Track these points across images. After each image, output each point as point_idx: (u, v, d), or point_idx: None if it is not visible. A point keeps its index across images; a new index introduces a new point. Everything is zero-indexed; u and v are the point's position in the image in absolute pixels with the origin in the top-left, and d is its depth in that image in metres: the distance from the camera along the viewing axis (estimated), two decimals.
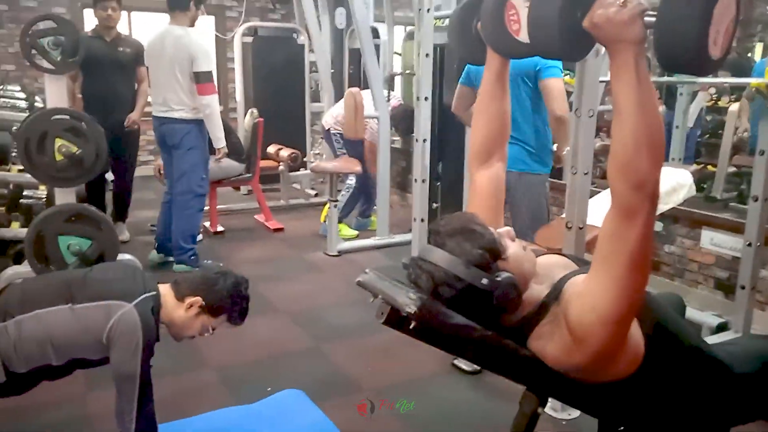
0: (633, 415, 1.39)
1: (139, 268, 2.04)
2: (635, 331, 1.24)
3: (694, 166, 3.85)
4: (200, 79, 3.73)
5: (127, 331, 1.73)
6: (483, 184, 1.54)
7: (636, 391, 1.31)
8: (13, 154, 4.06)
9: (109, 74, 4.29)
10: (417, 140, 3.13)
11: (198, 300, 1.89)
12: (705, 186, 4.09)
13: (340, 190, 4.85)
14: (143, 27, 7.45)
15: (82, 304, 1.76)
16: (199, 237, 4.51)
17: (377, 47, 4.94)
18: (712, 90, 4.89)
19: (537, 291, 1.31)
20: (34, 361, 1.74)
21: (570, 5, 1.16)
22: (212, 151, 4.20)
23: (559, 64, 2.80)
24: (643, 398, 1.33)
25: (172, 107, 3.85)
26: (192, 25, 3.88)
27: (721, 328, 2.90)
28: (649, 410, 1.36)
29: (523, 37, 1.37)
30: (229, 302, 1.94)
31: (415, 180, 3.11)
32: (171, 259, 4.09)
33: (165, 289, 1.93)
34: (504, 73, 1.52)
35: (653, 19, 1.10)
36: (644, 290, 1.21)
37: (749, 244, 2.68)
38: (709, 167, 4.18)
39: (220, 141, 4.02)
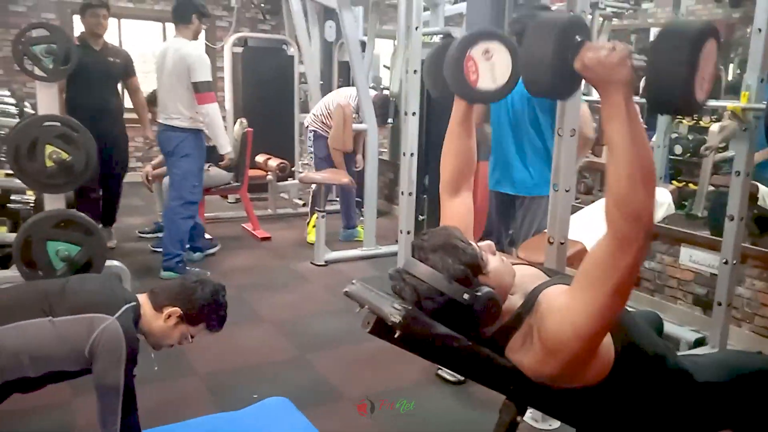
0: (605, 422, 1.45)
1: (117, 277, 2.05)
2: (606, 341, 1.30)
3: (672, 185, 3.93)
4: (199, 88, 3.85)
5: (111, 344, 1.73)
6: (453, 211, 1.68)
7: (606, 398, 1.38)
8: (1, 158, 4.08)
9: (96, 84, 4.25)
10: (404, 154, 3.19)
11: (176, 310, 1.90)
12: (686, 204, 4.18)
13: (328, 201, 4.90)
14: (133, 35, 7.49)
15: (62, 317, 1.74)
16: (218, 246, 4.63)
17: None
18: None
19: (512, 301, 1.37)
20: (9, 373, 1.72)
21: (562, 48, 1.23)
22: (215, 159, 4.37)
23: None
24: (613, 405, 1.40)
25: (171, 116, 3.99)
26: (195, 38, 4.00)
27: (699, 343, 2.98)
28: (620, 417, 1.42)
29: (481, 85, 1.55)
30: (208, 311, 1.95)
31: (402, 193, 3.17)
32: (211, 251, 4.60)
33: (143, 299, 1.93)
34: (469, 115, 1.67)
35: (642, 63, 1.18)
36: (621, 311, 1.27)
37: (725, 262, 2.76)
38: (691, 185, 4.28)
39: (224, 147, 4.15)
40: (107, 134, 4.10)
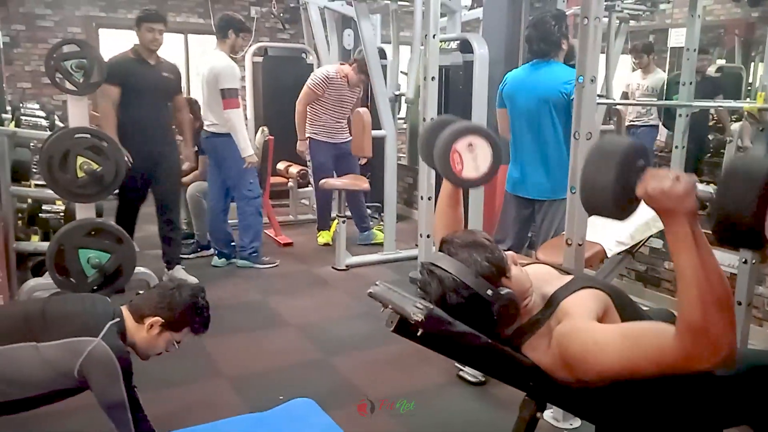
0: (625, 419, 1.49)
1: (99, 296, 2.06)
2: None
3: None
4: (224, 95, 4.14)
5: (102, 364, 1.76)
6: None
7: (625, 394, 1.41)
8: (33, 170, 4.22)
9: (151, 101, 3.94)
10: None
11: (158, 320, 1.93)
12: (708, 205, 4.18)
13: (347, 206, 4.97)
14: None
15: (46, 342, 1.77)
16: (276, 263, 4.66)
17: (384, 67, 5.08)
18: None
19: (531, 303, 1.42)
20: None
21: (624, 176, 1.23)
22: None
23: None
24: (632, 401, 1.43)
25: (211, 122, 4.33)
26: (233, 51, 4.30)
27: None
28: (639, 413, 1.46)
29: (466, 174, 1.77)
30: (189, 315, 1.98)
31: (421, 197, 3.21)
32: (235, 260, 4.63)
33: (125, 312, 1.95)
34: (457, 192, 1.89)
35: (707, 194, 1.18)
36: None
37: (745, 261, 2.77)
38: (712, 185, 4.27)
39: (245, 150, 4.27)
40: (157, 155, 3.96)
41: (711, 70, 5.22)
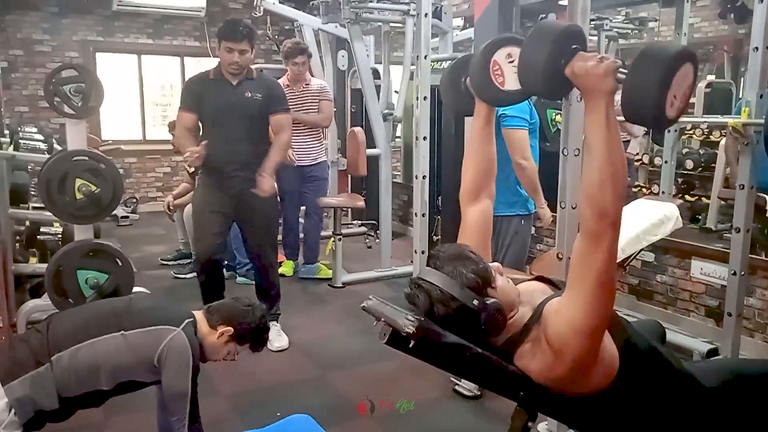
0: (616, 429, 1.52)
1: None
2: (609, 345, 1.39)
3: (680, 200, 4.00)
4: None
5: (178, 353, 1.91)
6: (473, 218, 1.73)
7: (615, 404, 1.45)
8: (31, 192, 4.26)
9: (229, 126, 3.31)
10: (417, 177, 3.29)
11: (229, 330, 2.07)
12: (699, 217, 4.23)
13: (344, 224, 5.00)
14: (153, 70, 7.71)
15: (132, 330, 1.91)
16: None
17: (378, 87, 5.15)
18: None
19: (520, 315, 1.46)
20: (85, 386, 1.88)
21: (556, 53, 1.37)
22: None
23: (522, 113, 2.89)
24: (622, 411, 1.47)
25: None
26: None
27: (712, 353, 3.02)
28: (629, 424, 1.49)
29: (508, 86, 1.62)
30: (255, 333, 2.13)
31: (416, 214, 3.26)
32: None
33: (198, 315, 2.09)
34: (491, 119, 1.74)
35: (624, 76, 1.30)
36: (611, 305, 1.37)
37: (734, 273, 2.82)
38: (703, 199, 4.34)
39: None
40: (239, 188, 3.27)
41: (701, 86, 5.30)
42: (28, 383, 1.81)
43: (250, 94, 3.30)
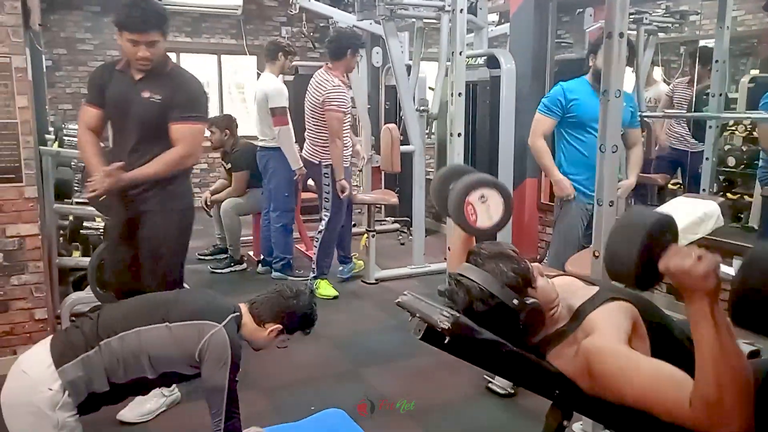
0: (651, 427, 1.50)
1: (218, 294, 2.27)
2: (642, 347, 1.37)
3: (721, 198, 3.90)
4: (273, 113, 4.47)
5: (218, 349, 1.95)
6: None
7: None
8: (75, 188, 4.38)
9: (127, 131, 2.62)
10: None
11: (278, 327, 2.13)
12: (741, 216, 4.13)
13: (378, 221, 5.02)
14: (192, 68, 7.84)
15: (177, 323, 1.97)
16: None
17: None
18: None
19: (557, 314, 1.45)
20: (132, 372, 1.94)
21: (649, 247, 1.26)
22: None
23: (550, 101, 3.30)
24: None
25: (261, 138, 4.71)
26: (281, 71, 4.70)
27: (753, 355, 2.94)
28: (666, 425, 1.46)
29: (480, 224, 1.83)
30: (305, 321, 2.19)
31: None
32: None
33: (244, 309, 2.14)
34: (470, 239, 1.89)
35: (728, 275, 1.18)
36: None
37: None
38: (746, 197, 4.22)
39: (294, 164, 4.52)
40: (131, 206, 2.61)
41: (744, 81, 5.16)
42: (80, 366, 1.88)
43: (147, 95, 2.54)
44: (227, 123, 5.05)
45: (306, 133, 4.44)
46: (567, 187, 3.29)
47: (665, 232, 1.28)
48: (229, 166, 5.03)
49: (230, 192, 4.99)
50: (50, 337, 2.00)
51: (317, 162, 4.30)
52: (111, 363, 1.91)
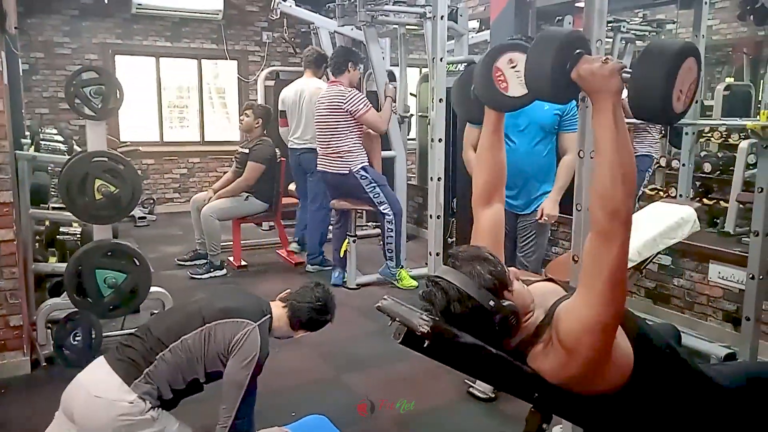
0: (630, 430, 1.52)
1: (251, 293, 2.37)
2: (622, 342, 1.39)
3: (697, 203, 3.96)
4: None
5: (248, 346, 2.03)
6: (486, 222, 1.76)
7: (631, 404, 1.44)
8: (51, 193, 4.32)
9: None
10: (432, 179, 3.30)
11: (306, 332, 2.31)
12: (717, 221, 4.19)
13: (359, 226, 5.02)
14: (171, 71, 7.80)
15: (214, 322, 2.06)
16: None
17: (393, 89, 5.16)
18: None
19: (534, 318, 1.47)
20: (189, 377, 2.06)
21: (560, 59, 1.40)
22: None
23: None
24: (637, 412, 1.46)
25: (306, 140, 4.91)
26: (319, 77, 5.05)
27: (729, 358, 2.99)
28: (646, 425, 1.48)
29: (512, 92, 1.66)
30: (326, 323, 2.35)
31: (431, 216, 3.27)
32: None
33: (275, 311, 2.23)
34: (500, 126, 1.76)
35: (629, 75, 1.33)
36: (623, 303, 1.37)
37: (752, 277, 2.78)
38: (722, 203, 4.29)
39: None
40: None
41: (719, 89, 5.25)
42: (148, 379, 2.00)
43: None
44: (263, 113, 5.12)
45: (324, 151, 4.48)
46: None
47: (577, 46, 1.41)
48: (246, 152, 5.01)
49: (239, 183, 4.98)
50: (102, 361, 2.07)
51: (347, 172, 4.37)
52: (171, 373, 2.02)
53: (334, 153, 4.42)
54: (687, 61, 1.31)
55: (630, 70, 1.33)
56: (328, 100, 4.41)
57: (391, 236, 4.50)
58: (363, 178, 4.39)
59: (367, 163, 4.47)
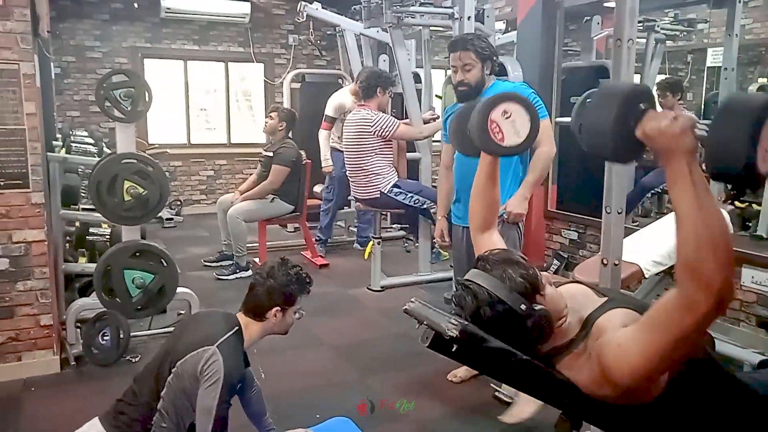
0: None
1: (223, 312, 2.22)
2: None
3: (730, 206, 3.87)
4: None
5: (211, 370, 1.91)
6: (486, 243, 1.78)
7: (664, 414, 1.40)
8: (81, 194, 4.39)
9: None
10: None
11: (276, 309, 2.10)
12: (750, 224, 4.09)
13: (384, 227, 5.01)
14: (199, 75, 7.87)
15: (181, 360, 1.95)
16: None
17: (418, 91, 5.15)
18: None
19: (566, 323, 1.43)
20: (188, 419, 1.97)
21: (624, 116, 1.26)
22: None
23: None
24: (671, 421, 1.42)
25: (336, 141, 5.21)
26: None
27: (763, 364, 2.91)
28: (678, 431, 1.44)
29: (507, 142, 1.71)
30: (294, 289, 2.14)
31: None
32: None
33: (242, 319, 2.11)
34: (495, 168, 1.81)
35: (705, 133, 1.18)
36: (678, 363, 1.31)
37: None
38: (754, 206, 4.19)
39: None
40: None
41: (752, 89, 5.13)
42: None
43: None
44: (288, 116, 5.16)
45: (354, 176, 4.50)
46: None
47: (641, 100, 1.28)
48: (270, 155, 5.04)
49: (265, 185, 5.01)
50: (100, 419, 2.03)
51: (378, 195, 4.38)
52: (173, 421, 1.94)
53: (363, 178, 4.42)
54: None
55: (705, 128, 1.18)
56: (354, 124, 4.43)
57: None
58: (398, 194, 4.38)
59: (397, 179, 4.46)
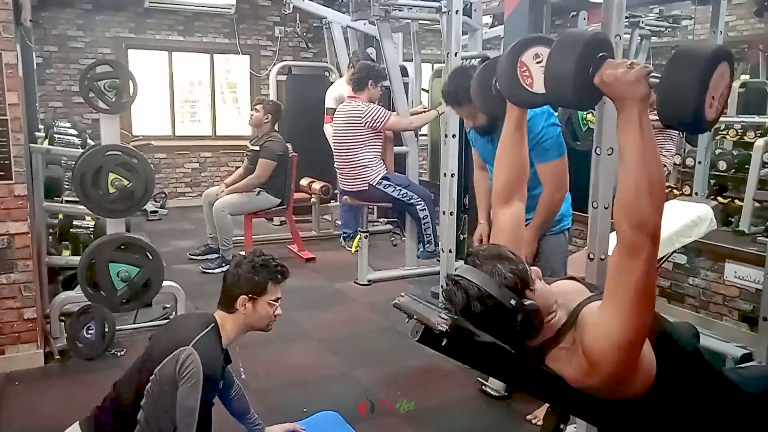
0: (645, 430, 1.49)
1: (200, 312, 2.17)
2: (647, 351, 1.36)
3: (715, 201, 3.92)
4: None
5: (190, 369, 1.87)
6: (505, 221, 1.74)
7: (652, 408, 1.42)
8: (65, 186, 4.34)
9: None
10: (445, 175, 3.28)
11: (243, 297, 2.02)
12: (732, 219, 4.14)
13: (371, 221, 5.01)
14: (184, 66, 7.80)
15: (158, 366, 1.90)
16: None
17: (405, 85, 5.14)
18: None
19: (555, 318, 1.44)
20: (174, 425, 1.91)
21: (583, 63, 1.33)
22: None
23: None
24: (659, 416, 1.44)
25: None
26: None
27: (745, 358, 2.95)
28: (666, 427, 1.46)
29: (537, 88, 1.59)
30: (261, 274, 2.06)
31: (443, 212, 3.25)
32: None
33: (219, 316, 2.06)
34: (522, 122, 1.72)
35: (657, 80, 1.26)
36: (650, 318, 1.33)
37: None
38: (737, 201, 4.24)
39: None
40: None
41: (735, 86, 5.19)
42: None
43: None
44: (273, 109, 5.13)
45: (342, 169, 4.50)
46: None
47: (600, 49, 1.35)
48: (257, 149, 5.01)
49: (251, 179, 4.99)
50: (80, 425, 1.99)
51: (366, 187, 4.39)
52: (161, 429, 1.89)
53: (351, 170, 4.43)
54: (720, 66, 1.24)
55: (658, 75, 1.26)
56: (344, 115, 4.43)
57: (428, 221, 4.52)
58: (386, 186, 4.41)
59: (386, 172, 4.47)
